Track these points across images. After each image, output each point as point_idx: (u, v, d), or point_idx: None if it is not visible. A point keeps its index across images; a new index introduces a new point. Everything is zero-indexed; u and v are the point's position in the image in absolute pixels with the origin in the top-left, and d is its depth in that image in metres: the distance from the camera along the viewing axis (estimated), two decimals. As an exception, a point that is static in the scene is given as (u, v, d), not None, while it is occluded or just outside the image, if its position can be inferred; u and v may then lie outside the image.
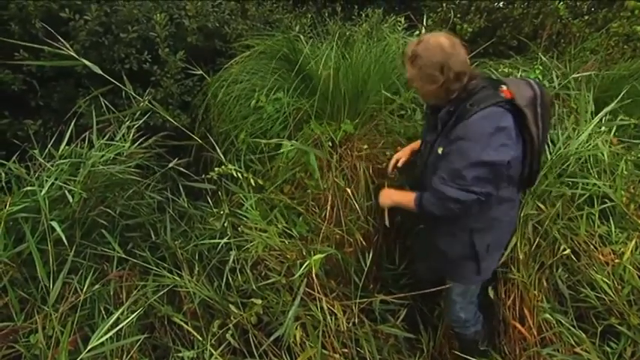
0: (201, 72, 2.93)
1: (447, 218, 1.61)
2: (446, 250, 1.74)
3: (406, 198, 1.71)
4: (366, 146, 2.06)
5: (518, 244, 1.84)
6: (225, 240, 1.99)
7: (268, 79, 2.29)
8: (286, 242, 1.77)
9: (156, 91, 3.11)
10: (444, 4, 3.63)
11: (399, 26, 3.28)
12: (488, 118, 1.44)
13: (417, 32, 2.73)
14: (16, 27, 2.81)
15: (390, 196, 1.79)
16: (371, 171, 2.10)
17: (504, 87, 1.50)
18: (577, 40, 3.79)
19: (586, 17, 4.12)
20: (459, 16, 4.20)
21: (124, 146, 2.20)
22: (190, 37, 3.27)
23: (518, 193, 1.70)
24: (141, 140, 2.48)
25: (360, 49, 2.74)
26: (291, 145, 1.84)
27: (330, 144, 2.11)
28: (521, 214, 1.88)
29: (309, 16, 3.64)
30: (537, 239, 1.87)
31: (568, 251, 1.80)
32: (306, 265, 1.45)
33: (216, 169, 2.20)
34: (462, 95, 1.52)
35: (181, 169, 2.37)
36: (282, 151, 1.88)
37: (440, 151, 1.56)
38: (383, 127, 2.16)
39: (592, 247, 1.84)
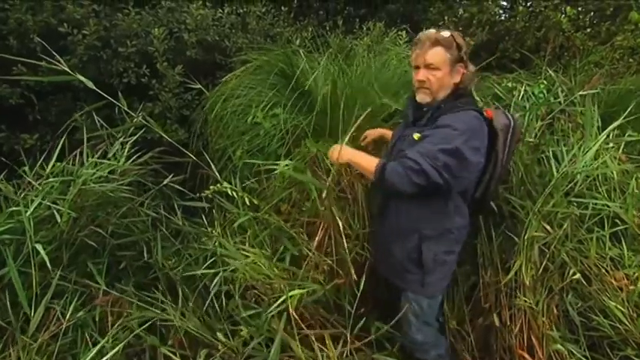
0: (199, 86, 2.87)
1: (397, 199, 1.66)
2: (394, 251, 1.73)
3: (365, 160, 1.61)
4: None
5: (524, 268, 1.73)
6: (212, 268, 1.90)
7: (266, 94, 2.21)
8: (275, 269, 1.67)
9: (154, 105, 3.05)
10: (446, 17, 3.57)
11: (401, 40, 3.22)
12: (476, 118, 1.54)
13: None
14: (14, 41, 2.77)
15: (349, 154, 1.64)
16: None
17: (487, 109, 1.67)
18: (581, 54, 3.70)
19: (588, 30, 4.04)
20: (460, 29, 4.13)
21: (116, 164, 2.12)
22: (190, 51, 3.21)
23: (469, 214, 1.72)
24: (137, 155, 2.41)
25: (361, 63, 2.67)
26: (286, 166, 1.75)
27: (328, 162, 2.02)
28: (526, 237, 1.77)
29: (310, 29, 3.59)
30: (544, 262, 1.76)
31: (578, 275, 1.69)
32: (284, 300, 1.36)
33: (211, 186, 2.13)
34: (457, 96, 1.60)
35: (176, 186, 2.28)
36: (277, 170, 1.79)
37: (415, 137, 1.57)
38: (382, 143, 2.07)
39: (604, 270, 1.72)
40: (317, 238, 1.74)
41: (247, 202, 2.05)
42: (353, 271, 1.65)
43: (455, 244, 1.70)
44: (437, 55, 1.55)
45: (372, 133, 2.05)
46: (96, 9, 2.84)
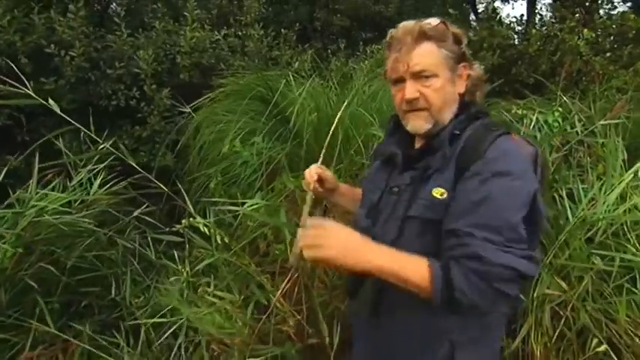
0: (189, 109, 2.69)
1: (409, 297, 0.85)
2: None
3: (401, 263, 0.83)
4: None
5: (533, 334, 1.40)
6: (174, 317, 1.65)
7: (247, 121, 1.99)
8: (238, 321, 1.40)
9: (142, 128, 2.89)
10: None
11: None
12: (522, 148, 0.92)
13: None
14: (2, 62, 2.67)
15: (358, 250, 0.83)
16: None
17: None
18: (600, 79, 3.38)
19: (608, 54, 3.72)
20: (471, 52, 3.88)
21: (74, 195, 1.92)
22: (183, 74, 3.06)
23: None
24: (111, 184, 2.22)
25: (356, 87, 2.44)
26: (256, 205, 1.50)
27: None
28: (535, 294, 1.45)
29: (310, 52, 3.41)
30: (560, 327, 1.42)
31: (604, 346, 1.35)
32: None
33: (183, 220, 1.90)
34: (474, 114, 0.97)
35: (147, 218, 2.07)
36: (246, 208, 1.55)
37: (437, 194, 0.88)
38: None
39: (638, 340, 1.38)
40: (283, 286, 1.46)
41: (219, 240, 1.81)
42: (326, 331, 1.36)
43: (499, 330, 1.04)
44: (428, 54, 0.93)
45: (325, 174, 1.16)
46: (86, 31, 2.73)
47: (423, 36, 0.93)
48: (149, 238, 2.14)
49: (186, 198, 1.96)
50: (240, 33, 3.47)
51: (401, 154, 1.00)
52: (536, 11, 7.22)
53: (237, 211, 1.63)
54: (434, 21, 0.95)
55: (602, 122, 1.89)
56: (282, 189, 1.72)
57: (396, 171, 1.01)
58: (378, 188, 1.02)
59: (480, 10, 6.92)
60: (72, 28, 2.69)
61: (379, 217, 0.97)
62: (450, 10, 4.16)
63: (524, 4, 7.56)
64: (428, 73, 0.92)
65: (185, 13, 3.00)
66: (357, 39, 4.22)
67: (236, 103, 2.14)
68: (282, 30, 3.66)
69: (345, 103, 1.52)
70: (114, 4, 3.55)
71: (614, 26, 4.07)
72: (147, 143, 2.90)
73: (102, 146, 1.97)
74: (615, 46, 4.03)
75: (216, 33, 3.27)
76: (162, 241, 2.23)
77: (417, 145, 1.02)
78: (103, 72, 2.80)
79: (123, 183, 2.29)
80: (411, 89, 0.93)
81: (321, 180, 1.14)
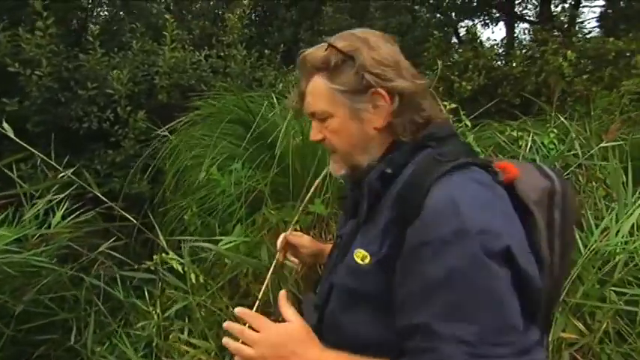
0: (166, 133, 2.48)
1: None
2: None
3: None
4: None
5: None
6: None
7: (225, 146, 1.80)
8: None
9: (116, 152, 2.66)
10: (440, 62, 3.25)
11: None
12: (484, 186, 0.61)
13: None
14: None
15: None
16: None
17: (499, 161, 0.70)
18: (586, 99, 3.33)
19: (586, 75, 3.68)
20: (456, 73, 3.81)
21: (35, 225, 1.67)
22: (161, 95, 2.87)
23: None
24: (78, 213, 1.98)
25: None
26: (234, 243, 1.29)
27: (296, 230, 1.56)
28: (550, 339, 1.27)
29: (294, 73, 3.26)
30: (580, 377, 1.24)
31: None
32: None
33: (154, 256, 1.67)
34: (417, 140, 0.69)
35: (113, 253, 1.82)
36: (226, 245, 1.34)
37: (357, 257, 0.66)
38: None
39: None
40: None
41: (194, 279, 1.58)
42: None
43: None
44: (317, 92, 0.71)
45: (296, 240, 0.95)
46: (55, 49, 2.52)
47: (310, 69, 0.71)
48: (118, 276, 1.89)
49: (159, 231, 1.74)
50: (222, 54, 3.30)
51: (351, 195, 0.77)
52: (515, 35, 7.34)
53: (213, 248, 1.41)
54: (320, 47, 0.70)
55: (603, 144, 1.76)
56: (264, 222, 1.51)
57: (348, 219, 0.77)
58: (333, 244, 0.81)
59: (461, 34, 7.00)
60: (39, 47, 2.47)
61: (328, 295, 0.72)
62: (435, 32, 4.10)
63: (503, 28, 7.71)
64: (322, 115, 0.71)
65: (165, 33, 2.83)
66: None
67: (214, 126, 1.94)
68: (267, 51, 3.52)
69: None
70: (91, 23, 3.36)
71: (593, 48, 4.08)
72: (121, 168, 2.66)
73: (62, 174, 1.74)
74: (594, 67, 4.03)
75: (197, 53, 3.10)
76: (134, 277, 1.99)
77: None
78: (75, 93, 2.58)
79: (91, 213, 2.05)
80: (314, 130, 0.74)
81: (292, 245, 0.93)
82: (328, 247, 0.95)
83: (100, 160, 2.64)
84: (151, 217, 1.76)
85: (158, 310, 1.63)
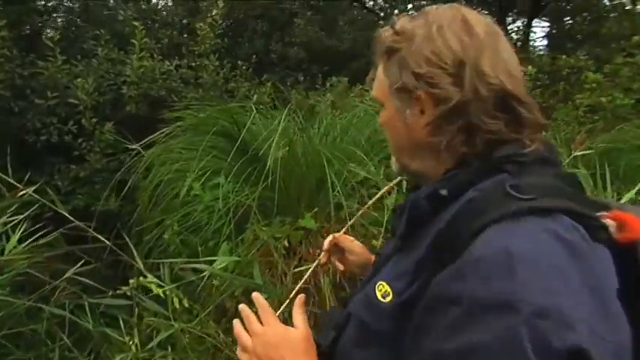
0: (136, 146, 2.31)
1: None
2: None
3: None
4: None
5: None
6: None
7: (209, 159, 1.69)
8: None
9: (80, 167, 2.44)
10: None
11: (368, 96, 2.86)
12: (565, 250, 0.41)
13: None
14: None
15: None
16: (340, 280, 1.47)
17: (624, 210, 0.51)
18: (545, 112, 3.53)
19: (538, 91, 3.92)
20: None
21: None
22: (130, 106, 2.69)
23: None
24: (37, 235, 1.77)
25: (325, 120, 2.24)
26: (224, 264, 1.19)
27: (285, 246, 1.49)
28: None
29: (269, 84, 3.19)
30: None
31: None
32: None
33: (131, 280, 1.52)
34: (492, 160, 0.51)
35: (82, 279, 1.64)
36: (209, 270, 1.23)
37: (381, 293, 0.53)
38: (357, 221, 1.56)
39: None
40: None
41: (177, 304, 1.45)
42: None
43: None
44: (377, 76, 0.61)
45: (347, 244, 0.83)
46: (8, 53, 2.29)
47: (381, 49, 0.59)
48: (86, 304, 1.70)
49: (135, 252, 1.59)
50: (193, 64, 3.17)
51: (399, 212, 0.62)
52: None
53: (200, 269, 1.30)
54: (392, 24, 0.57)
55: (576, 153, 1.84)
56: (254, 240, 1.42)
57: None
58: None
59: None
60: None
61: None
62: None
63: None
64: (378, 102, 0.61)
65: (133, 41, 2.67)
66: (315, 72, 4.10)
67: (196, 138, 1.83)
68: (239, 62, 3.43)
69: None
70: (48, 28, 3.12)
71: (547, 64, 4.36)
72: (85, 184, 2.45)
73: (22, 192, 1.55)
74: (550, 82, 4.30)
75: (167, 63, 2.95)
76: (105, 305, 1.81)
77: None
78: (31, 102, 2.36)
79: (53, 234, 1.85)
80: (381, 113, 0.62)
81: (340, 249, 0.83)
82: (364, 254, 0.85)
83: (60, 176, 2.42)
84: (126, 237, 1.61)
85: (136, 340, 1.48)
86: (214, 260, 1.26)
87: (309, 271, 0.77)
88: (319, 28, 4.54)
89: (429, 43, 0.52)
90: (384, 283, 0.52)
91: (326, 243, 0.81)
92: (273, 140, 1.57)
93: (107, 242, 1.58)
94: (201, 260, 1.29)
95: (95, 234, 1.58)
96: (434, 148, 0.55)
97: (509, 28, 7.49)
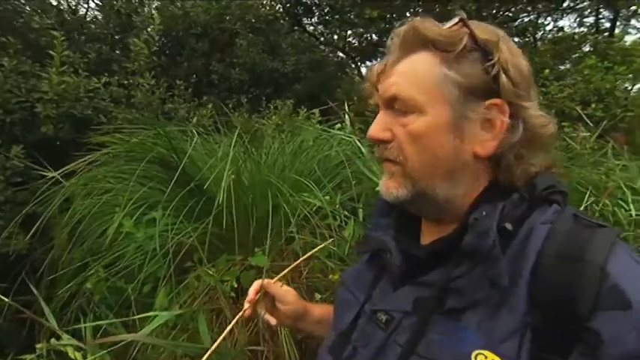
0: (54, 174, 1.96)
1: None
2: None
3: None
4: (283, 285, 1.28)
5: None
6: None
7: (144, 191, 1.45)
8: None
9: (-23, 200, 2.01)
10: (355, 97, 3.32)
11: (314, 119, 2.79)
12: None
13: (339, 125, 2.18)
14: None
15: None
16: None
17: None
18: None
19: None
20: (370, 109, 3.95)
21: None
22: (45, 127, 2.31)
23: None
24: None
25: (272, 145, 2.10)
26: (164, 320, 0.98)
27: (233, 286, 1.30)
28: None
29: (209, 106, 2.98)
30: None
31: None
32: None
33: (38, 345, 1.21)
34: (539, 191, 0.49)
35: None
36: (150, 323, 1.01)
37: None
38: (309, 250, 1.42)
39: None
40: None
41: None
42: None
43: None
44: (414, 72, 0.49)
45: (278, 292, 0.70)
46: None
47: (419, 42, 0.49)
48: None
49: (46, 307, 1.29)
50: (125, 82, 2.87)
51: (397, 252, 0.52)
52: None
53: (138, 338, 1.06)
54: (451, 22, 0.49)
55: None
56: (198, 286, 1.21)
57: (386, 281, 0.55)
58: (356, 303, 0.57)
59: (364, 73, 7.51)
60: None
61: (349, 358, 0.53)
62: (347, 70, 4.24)
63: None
64: (406, 105, 0.48)
65: (52, 52, 2.32)
66: (258, 94, 3.96)
67: (128, 166, 1.58)
68: (177, 81, 3.18)
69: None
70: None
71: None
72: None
73: None
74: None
75: (95, 80, 2.62)
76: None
77: (427, 234, 0.54)
78: None
79: None
80: (379, 124, 0.51)
81: (270, 297, 0.69)
82: (317, 309, 0.72)
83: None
84: (33, 288, 1.30)
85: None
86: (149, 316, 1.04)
87: (228, 328, 0.61)
88: (262, 49, 4.43)
89: (513, 56, 0.48)
90: (486, 353, 0.43)
91: (251, 292, 0.67)
92: (219, 169, 1.39)
93: (5, 299, 1.25)
94: (134, 318, 1.05)
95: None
96: (477, 172, 0.49)
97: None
